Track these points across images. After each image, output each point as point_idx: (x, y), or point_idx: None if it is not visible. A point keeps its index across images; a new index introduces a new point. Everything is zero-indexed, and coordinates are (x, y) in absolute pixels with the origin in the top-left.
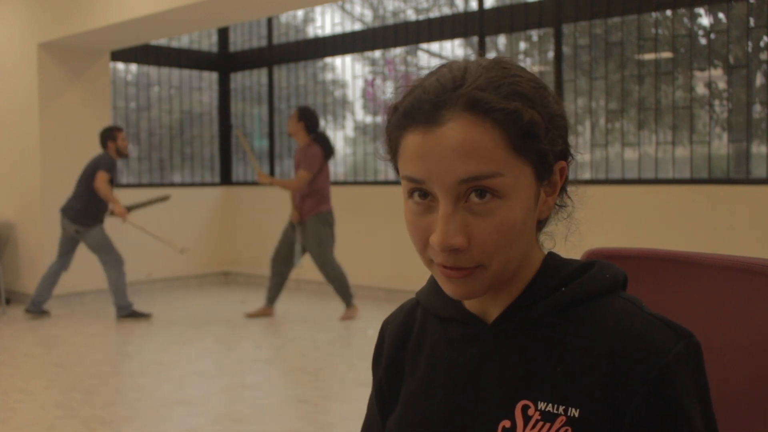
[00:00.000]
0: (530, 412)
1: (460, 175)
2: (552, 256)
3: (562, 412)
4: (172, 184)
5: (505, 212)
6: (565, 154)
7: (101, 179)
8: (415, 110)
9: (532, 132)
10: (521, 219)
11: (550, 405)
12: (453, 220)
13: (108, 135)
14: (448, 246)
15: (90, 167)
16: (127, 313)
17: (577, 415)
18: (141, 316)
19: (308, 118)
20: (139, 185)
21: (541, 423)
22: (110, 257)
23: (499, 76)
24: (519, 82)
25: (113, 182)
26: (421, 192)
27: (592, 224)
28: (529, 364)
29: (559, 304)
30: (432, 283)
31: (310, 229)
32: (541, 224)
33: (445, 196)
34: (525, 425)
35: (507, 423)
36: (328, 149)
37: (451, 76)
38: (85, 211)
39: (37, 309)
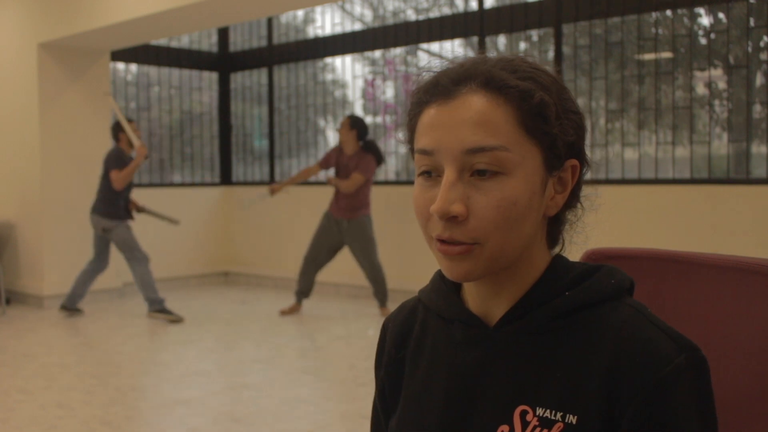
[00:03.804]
0: (528, 417)
1: (467, 144)
2: (559, 259)
3: (560, 419)
4: (172, 184)
5: (507, 189)
6: (577, 151)
7: (116, 178)
8: (434, 87)
9: (543, 113)
10: (524, 201)
11: (548, 411)
12: (454, 189)
13: (119, 127)
14: (446, 212)
15: (104, 167)
16: (159, 308)
17: (574, 422)
18: (171, 315)
19: (360, 127)
20: (139, 185)
21: (538, 429)
22: (135, 255)
23: (520, 64)
24: (538, 72)
25: None
26: (429, 173)
27: (591, 225)
28: (529, 369)
29: (561, 309)
30: (435, 281)
31: (359, 228)
32: (551, 229)
33: (450, 165)
34: (523, 430)
35: (505, 428)
36: (379, 157)
37: (473, 61)
38: (112, 207)
39: (72, 305)
